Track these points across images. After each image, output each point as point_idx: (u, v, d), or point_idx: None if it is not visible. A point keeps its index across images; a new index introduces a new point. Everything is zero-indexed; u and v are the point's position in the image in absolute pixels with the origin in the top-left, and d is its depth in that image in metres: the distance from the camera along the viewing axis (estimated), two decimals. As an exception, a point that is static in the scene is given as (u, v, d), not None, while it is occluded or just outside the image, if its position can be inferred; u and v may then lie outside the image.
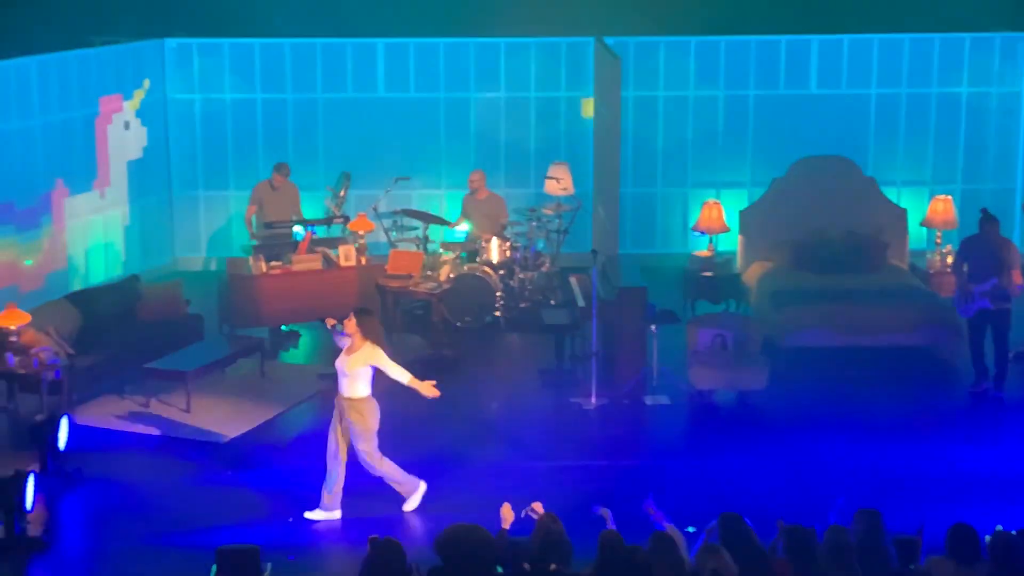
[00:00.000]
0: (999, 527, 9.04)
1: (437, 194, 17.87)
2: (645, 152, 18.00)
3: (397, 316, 15.36)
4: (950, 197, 16.94)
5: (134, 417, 13.14)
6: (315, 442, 12.48)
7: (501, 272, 15.88)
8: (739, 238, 16.75)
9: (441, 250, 16.18)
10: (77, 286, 15.96)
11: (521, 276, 16.10)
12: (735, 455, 12.26)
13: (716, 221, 16.57)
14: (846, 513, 8.80)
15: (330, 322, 11.31)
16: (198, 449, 12.41)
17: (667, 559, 8.12)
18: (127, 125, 17.02)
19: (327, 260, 15.39)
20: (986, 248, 13.61)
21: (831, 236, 15.96)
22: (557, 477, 11.74)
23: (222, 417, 13.04)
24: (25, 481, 10.67)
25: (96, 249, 16.73)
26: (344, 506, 11.10)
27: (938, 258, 16.38)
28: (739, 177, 18.01)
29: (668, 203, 18.18)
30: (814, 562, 8.30)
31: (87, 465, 11.91)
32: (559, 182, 16.99)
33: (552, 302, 15.94)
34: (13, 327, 12.88)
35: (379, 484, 11.36)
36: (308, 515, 11.02)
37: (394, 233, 16.70)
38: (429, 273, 15.57)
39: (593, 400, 13.49)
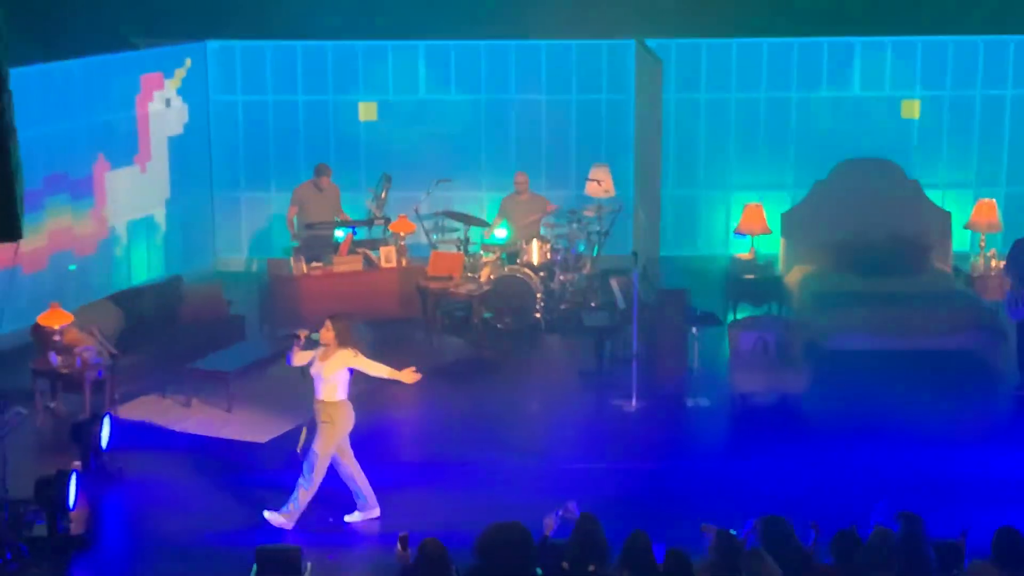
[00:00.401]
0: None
1: (478, 196, 17.87)
2: (687, 154, 17.95)
3: (437, 318, 15.37)
4: (994, 200, 16.81)
5: (176, 417, 13.18)
6: (356, 443, 12.52)
7: (542, 274, 15.87)
8: (781, 240, 16.67)
9: (482, 252, 16.19)
10: (121, 253, 16.18)
11: (562, 278, 16.08)
12: (776, 458, 12.20)
13: (758, 223, 16.51)
14: (887, 516, 8.75)
15: (303, 334, 11.04)
16: (239, 449, 12.43)
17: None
18: (168, 102, 17.14)
19: (368, 261, 15.43)
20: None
21: (874, 239, 15.87)
22: (597, 479, 11.72)
23: (263, 417, 13.06)
24: (68, 479, 10.74)
25: (137, 224, 16.87)
26: (380, 505, 11.11)
27: (982, 261, 16.25)
28: (781, 179, 17.93)
29: (710, 205, 18.13)
30: (856, 564, 8.25)
31: (129, 464, 11.98)
32: (600, 184, 16.97)
33: (592, 304, 15.92)
34: (57, 327, 12.96)
35: (417, 483, 11.39)
36: (348, 518, 11.02)
37: (435, 235, 16.71)
38: (470, 275, 15.58)
39: (634, 402, 13.45)
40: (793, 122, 17.92)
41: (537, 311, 15.70)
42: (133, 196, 16.69)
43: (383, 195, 16.72)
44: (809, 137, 17.87)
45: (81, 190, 15.87)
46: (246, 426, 12.90)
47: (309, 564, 9.91)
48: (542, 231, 16.50)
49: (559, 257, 16.10)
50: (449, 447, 12.43)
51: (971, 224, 16.79)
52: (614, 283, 14.88)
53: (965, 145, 17.90)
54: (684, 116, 17.86)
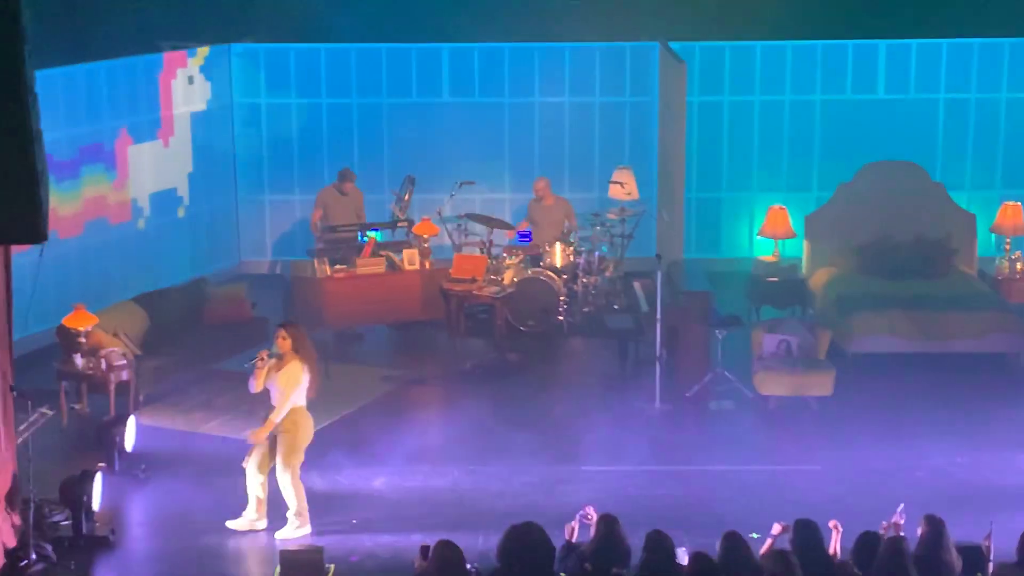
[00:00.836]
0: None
1: (501, 198, 17.88)
2: (710, 157, 17.92)
3: (461, 320, 15.37)
4: (1019, 203, 16.73)
5: (199, 418, 13.22)
6: (379, 444, 12.55)
7: (565, 277, 15.86)
8: (805, 243, 16.63)
9: (505, 254, 16.19)
10: (144, 226, 16.45)
11: (585, 281, 16.08)
12: (800, 461, 12.17)
13: (782, 226, 16.48)
14: (908, 520, 8.73)
15: (263, 354, 10.76)
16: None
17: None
18: (191, 80, 17.23)
19: (391, 264, 15.45)
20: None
21: (898, 242, 15.83)
22: (621, 481, 11.70)
23: (287, 419, 13.08)
24: (92, 480, 10.79)
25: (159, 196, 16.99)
26: (403, 508, 11.13)
27: (1007, 264, 16.19)
28: (805, 182, 17.89)
29: (733, 208, 18.10)
30: (876, 569, 8.26)
31: (153, 465, 12.02)
32: (623, 187, 16.95)
33: (616, 307, 15.91)
34: (82, 328, 13.01)
35: (438, 485, 11.41)
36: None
37: (458, 237, 16.72)
38: (493, 277, 15.58)
39: (657, 405, 13.44)
40: (817, 125, 17.87)
41: (560, 314, 15.70)
42: (156, 170, 16.82)
43: (406, 197, 16.73)
44: (833, 140, 17.82)
45: (113, 161, 16.09)
46: (270, 428, 12.92)
47: (332, 566, 9.93)
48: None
49: (582, 260, 16.10)
50: (470, 450, 12.42)
51: (996, 227, 16.73)
52: (637, 286, 14.88)
53: (990, 148, 17.83)
54: (707, 119, 17.84)
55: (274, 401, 10.79)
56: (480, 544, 10.16)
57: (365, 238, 15.62)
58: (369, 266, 15.26)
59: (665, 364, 13.54)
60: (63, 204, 15.01)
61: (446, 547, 8.29)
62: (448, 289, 15.31)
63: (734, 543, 8.31)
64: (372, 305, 15.11)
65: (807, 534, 8.50)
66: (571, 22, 17.41)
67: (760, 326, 14.20)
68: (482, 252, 16.25)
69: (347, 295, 15.09)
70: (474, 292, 15.27)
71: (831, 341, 14.03)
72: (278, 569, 9.59)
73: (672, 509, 11.06)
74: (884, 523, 8.69)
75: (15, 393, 10.48)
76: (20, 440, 10.67)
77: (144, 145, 16.55)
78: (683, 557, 8.71)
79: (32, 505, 10.15)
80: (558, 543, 8.70)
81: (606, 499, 10.41)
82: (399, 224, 16.31)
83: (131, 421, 12.22)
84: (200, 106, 17.39)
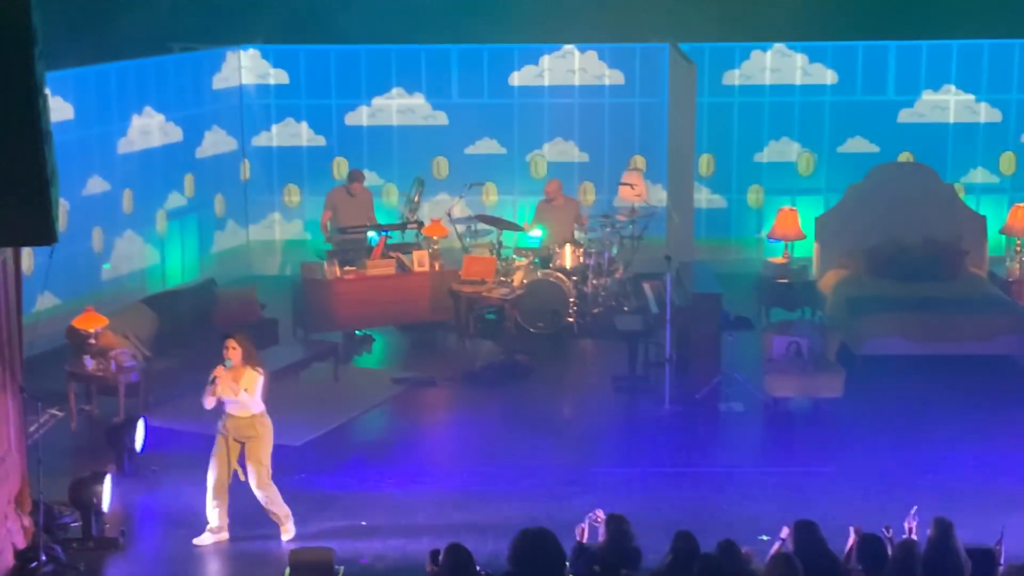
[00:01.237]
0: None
1: (511, 200, 17.87)
2: (720, 158, 17.90)
3: (470, 321, 15.37)
4: (1030, 205, 16.72)
5: (210, 420, 13.20)
6: (390, 447, 12.55)
7: (574, 278, 15.85)
8: (815, 245, 16.61)
9: (515, 256, 16.18)
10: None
11: (594, 282, 16.06)
12: (809, 463, 12.15)
13: (791, 227, 16.45)
14: (920, 523, 8.71)
15: (217, 371, 10.81)
16: (272, 452, 12.43)
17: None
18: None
19: (401, 265, 15.45)
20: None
21: (908, 243, 15.79)
22: (630, 483, 11.70)
23: (296, 421, 13.07)
24: (102, 482, 10.79)
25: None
26: (413, 510, 11.12)
27: (1017, 266, 16.15)
28: (815, 183, 17.87)
29: (743, 209, 18.07)
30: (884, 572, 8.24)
31: (163, 467, 12.03)
32: (633, 188, 16.94)
33: (625, 308, 15.90)
34: (91, 330, 13.02)
35: (448, 487, 11.40)
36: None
37: (468, 239, 16.72)
38: (503, 279, 15.57)
39: (667, 406, 13.43)
40: (827, 125, 17.85)
41: (570, 315, 15.69)
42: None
43: (416, 199, 16.73)
44: (843, 141, 17.79)
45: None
46: (280, 429, 12.90)
47: (341, 568, 9.93)
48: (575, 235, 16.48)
49: (592, 261, 16.08)
50: (480, 451, 12.42)
51: (1006, 229, 16.68)
52: (647, 287, 14.86)
53: (1000, 149, 17.79)
54: (717, 119, 17.82)
55: (235, 410, 10.75)
56: (489, 547, 10.15)
57: (375, 240, 15.64)
58: (379, 267, 15.26)
59: (675, 366, 13.52)
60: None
61: (457, 550, 8.29)
62: (458, 290, 15.31)
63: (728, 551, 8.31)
64: (382, 307, 15.12)
65: (807, 535, 8.48)
66: (582, 23, 17.41)
67: (770, 328, 14.18)
68: (492, 253, 16.25)
69: (357, 297, 15.09)
70: (484, 294, 15.27)
71: (841, 343, 14.01)
72: (288, 571, 9.59)
73: (681, 511, 11.04)
74: (885, 527, 8.67)
75: (25, 395, 10.49)
76: (30, 441, 10.70)
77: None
78: None
79: (42, 506, 10.17)
80: (567, 545, 8.70)
81: (615, 500, 10.40)
82: (409, 225, 16.31)
83: (141, 423, 12.23)
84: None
